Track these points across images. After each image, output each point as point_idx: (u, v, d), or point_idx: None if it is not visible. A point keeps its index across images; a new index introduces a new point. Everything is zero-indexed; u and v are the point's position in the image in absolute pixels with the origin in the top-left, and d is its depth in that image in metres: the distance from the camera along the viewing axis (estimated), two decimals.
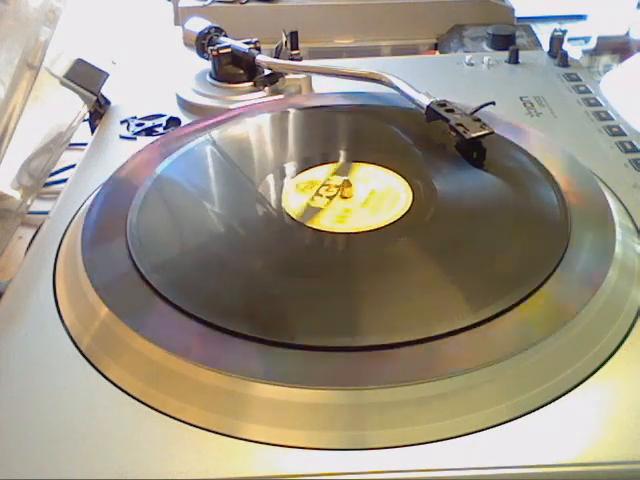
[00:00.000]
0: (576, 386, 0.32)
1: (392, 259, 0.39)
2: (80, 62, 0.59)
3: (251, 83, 0.59)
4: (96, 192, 0.46)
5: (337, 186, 0.44)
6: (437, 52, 0.82)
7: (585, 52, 0.93)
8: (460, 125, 0.46)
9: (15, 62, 0.49)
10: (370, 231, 0.40)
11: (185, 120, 0.57)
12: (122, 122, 0.57)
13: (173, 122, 0.57)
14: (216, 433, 0.30)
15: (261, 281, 0.37)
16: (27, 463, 0.29)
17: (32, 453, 0.30)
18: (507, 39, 0.72)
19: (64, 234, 0.43)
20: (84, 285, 0.37)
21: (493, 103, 0.49)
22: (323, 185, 0.45)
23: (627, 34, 0.98)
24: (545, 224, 0.40)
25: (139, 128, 0.56)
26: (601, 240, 0.39)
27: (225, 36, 0.63)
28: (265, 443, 0.30)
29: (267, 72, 0.59)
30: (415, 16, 0.82)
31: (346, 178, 0.45)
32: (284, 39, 0.62)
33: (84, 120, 0.59)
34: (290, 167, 0.47)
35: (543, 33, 0.79)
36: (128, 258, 0.38)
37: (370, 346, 0.32)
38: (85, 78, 0.58)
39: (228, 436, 0.30)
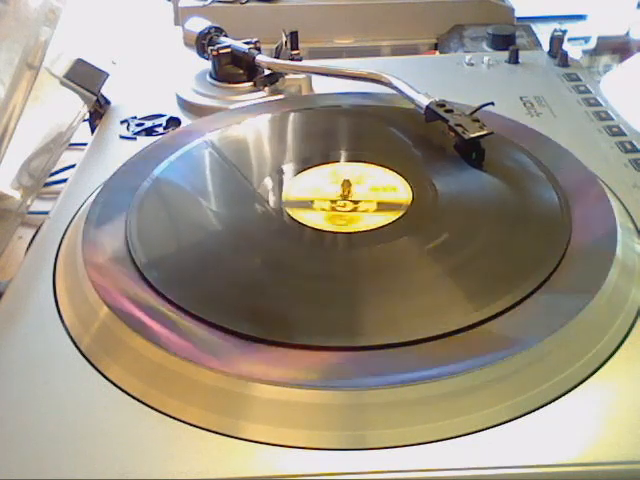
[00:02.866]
0: (576, 386, 0.32)
1: (392, 259, 0.39)
2: (80, 62, 0.59)
3: (251, 83, 0.59)
4: (96, 192, 0.46)
5: (337, 186, 0.44)
6: (437, 52, 0.82)
7: (585, 52, 0.93)
8: (459, 125, 0.46)
9: (15, 62, 0.49)
10: (370, 231, 0.41)
11: (185, 120, 0.57)
12: (122, 122, 0.57)
13: (173, 122, 0.57)
14: (216, 433, 0.30)
15: (261, 281, 0.37)
16: (27, 463, 0.29)
17: (32, 453, 0.30)
18: (507, 39, 0.72)
19: (64, 234, 0.43)
20: (84, 285, 0.37)
21: (492, 103, 0.49)
22: (323, 185, 0.45)
23: (627, 34, 0.98)
24: (545, 224, 0.40)
25: (139, 128, 0.56)
26: (601, 240, 0.39)
27: (225, 36, 0.63)
28: (265, 443, 0.30)
29: (267, 72, 0.59)
30: (415, 16, 0.82)
31: (346, 178, 0.45)
32: (284, 39, 0.62)
33: (84, 120, 0.59)
34: (290, 167, 0.47)
35: (543, 33, 0.79)
36: (128, 258, 0.38)
37: (370, 346, 0.32)
38: (85, 78, 0.58)
39: (228, 436, 0.30)
